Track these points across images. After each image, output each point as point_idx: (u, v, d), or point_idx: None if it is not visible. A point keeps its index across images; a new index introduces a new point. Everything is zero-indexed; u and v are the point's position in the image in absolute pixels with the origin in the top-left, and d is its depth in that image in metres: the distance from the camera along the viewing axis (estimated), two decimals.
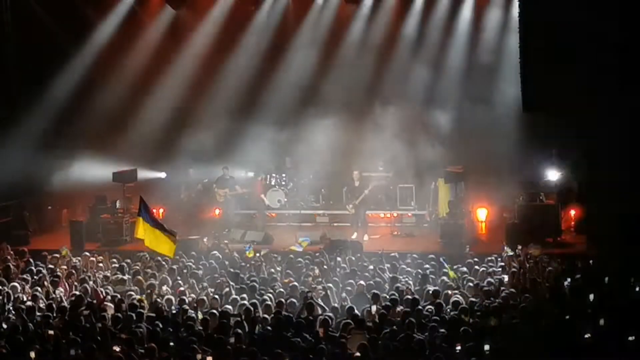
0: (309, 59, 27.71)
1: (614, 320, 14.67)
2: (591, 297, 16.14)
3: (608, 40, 21.97)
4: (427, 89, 26.93)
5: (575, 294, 16.63)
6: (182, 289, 17.39)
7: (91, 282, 17.97)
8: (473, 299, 16.42)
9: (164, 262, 19.55)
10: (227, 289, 17.31)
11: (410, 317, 15.04)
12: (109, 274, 19.11)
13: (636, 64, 22.42)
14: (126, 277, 18.61)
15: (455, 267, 18.95)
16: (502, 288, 17.18)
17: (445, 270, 18.69)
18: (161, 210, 25.89)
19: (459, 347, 13.86)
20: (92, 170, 26.39)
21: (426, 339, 14.16)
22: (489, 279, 17.84)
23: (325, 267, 19.29)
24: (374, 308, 15.78)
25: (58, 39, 26.46)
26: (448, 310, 15.88)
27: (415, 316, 15.23)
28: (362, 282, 17.72)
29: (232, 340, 14.40)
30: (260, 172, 27.57)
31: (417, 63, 27.15)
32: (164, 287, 17.64)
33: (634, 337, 14.07)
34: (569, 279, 17.43)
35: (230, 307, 15.86)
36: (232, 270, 19.06)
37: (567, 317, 15.09)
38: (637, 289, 16.90)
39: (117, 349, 13.79)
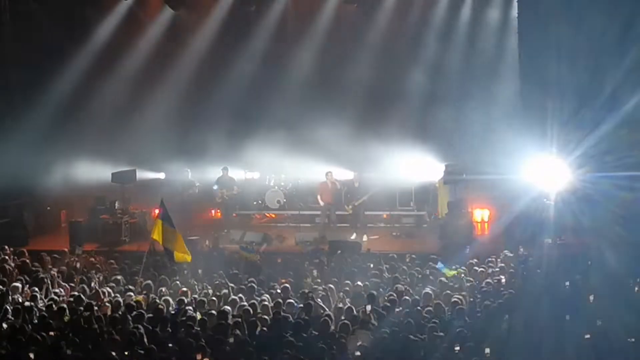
0: (310, 59, 27.70)
1: (612, 322, 14.68)
2: (591, 298, 16.12)
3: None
4: (427, 89, 26.93)
5: (574, 294, 16.63)
6: (181, 289, 17.36)
7: (92, 283, 17.94)
8: (473, 300, 16.40)
9: (162, 263, 19.56)
10: (226, 290, 17.30)
11: (409, 318, 15.02)
12: (107, 275, 19.08)
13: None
14: (124, 277, 18.59)
15: (454, 267, 18.94)
16: (501, 289, 17.17)
17: (442, 271, 18.69)
18: (156, 211, 25.95)
19: (457, 348, 13.84)
20: (91, 171, 26.38)
21: (425, 340, 14.14)
22: (488, 280, 17.82)
23: (324, 267, 19.29)
24: (368, 307, 15.74)
25: (57, 39, 26.44)
26: (447, 311, 15.85)
27: (414, 317, 15.21)
28: (359, 282, 17.72)
29: (231, 340, 14.39)
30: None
31: (417, 63, 27.16)
32: (163, 288, 17.61)
33: (634, 339, 14.07)
34: (568, 282, 17.41)
35: (229, 307, 15.84)
36: (230, 271, 19.03)
37: (567, 317, 15.11)
38: (637, 289, 16.89)
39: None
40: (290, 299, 16.58)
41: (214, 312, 15.61)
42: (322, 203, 25.21)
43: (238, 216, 26.71)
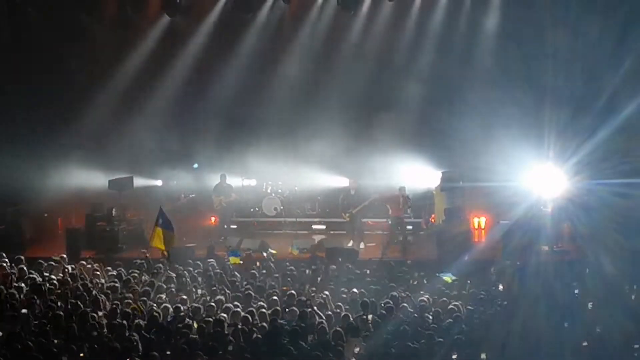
0: (305, 66, 27.74)
1: (610, 329, 14.69)
2: (589, 305, 16.13)
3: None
4: (424, 96, 26.96)
5: (572, 302, 16.64)
6: (178, 297, 17.36)
7: (93, 291, 17.91)
8: (470, 307, 16.40)
9: (160, 270, 19.56)
10: (223, 297, 17.29)
11: (406, 325, 15.03)
12: (105, 282, 19.06)
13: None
14: (122, 285, 18.57)
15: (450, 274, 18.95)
16: (497, 297, 17.18)
17: (443, 277, 18.69)
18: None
19: (455, 356, 13.85)
20: (88, 178, 26.37)
21: (422, 348, 14.14)
22: (485, 287, 17.82)
23: (321, 275, 19.29)
24: (370, 317, 15.76)
25: (54, 45, 26.46)
26: (444, 318, 15.84)
27: (411, 324, 15.21)
28: (355, 289, 17.71)
29: (228, 348, 14.38)
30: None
31: (414, 70, 27.19)
32: (161, 295, 17.60)
33: (638, 345, 14.10)
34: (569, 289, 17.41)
35: (225, 315, 15.84)
36: (228, 278, 19.02)
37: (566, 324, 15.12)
38: (633, 297, 16.90)
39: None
40: (288, 306, 16.57)
41: (210, 319, 15.60)
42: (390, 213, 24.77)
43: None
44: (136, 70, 27.78)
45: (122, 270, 19.74)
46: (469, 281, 18.43)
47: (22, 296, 17.43)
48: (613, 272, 18.62)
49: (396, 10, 27.55)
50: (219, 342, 14.46)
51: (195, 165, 27.28)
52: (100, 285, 18.76)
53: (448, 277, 18.59)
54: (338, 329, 14.96)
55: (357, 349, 14.12)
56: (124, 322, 15.51)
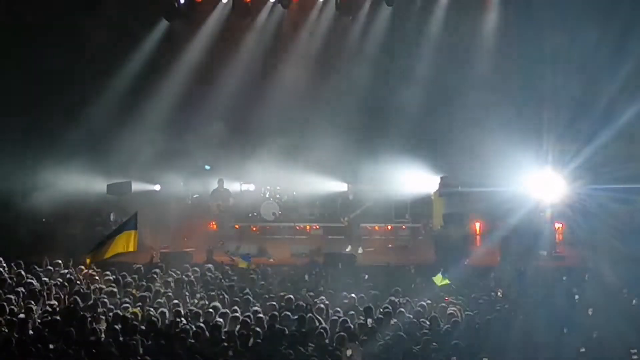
0: (304, 71, 27.74)
1: (608, 334, 14.67)
2: (590, 311, 16.11)
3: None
4: (422, 101, 26.96)
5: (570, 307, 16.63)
6: (175, 301, 17.32)
7: (93, 295, 17.88)
8: (469, 312, 16.38)
9: (157, 275, 19.54)
10: (221, 302, 17.26)
11: (405, 330, 15.00)
12: (103, 287, 19.02)
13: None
14: (120, 289, 18.54)
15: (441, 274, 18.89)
16: (496, 302, 17.15)
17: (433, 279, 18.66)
18: None
19: None
20: (87, 182, 26.33)
21: (420, 353, 14.12)
22: (484, 293, 17.79)
23: (320, 279, 19.26)
24: (369, 322, 15.73)
25: (51, 51, 26.44)
26: (443, 323, 15.81)
27: (410, 329, 15.18)
28: (353, 295, 17.68)
29: (227, 353, 14.35)
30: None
31: (412, 75, 27.20)
32: (159, 300, 17.56)
33: (635, 350, 14.07)
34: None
35: (222, 320, 15.81)
36: (225, 283, 19.00)
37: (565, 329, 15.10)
38: (634, 302, 16.87)
39: None
40: (287, 311, 16.53)
41: (208, 324, 15.57)
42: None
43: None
44: (135, 74, 27.77)
45: (121, 275, 19.71)
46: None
47: (20, 301, 17.41)
48: (612, 278, 18.63)
49: (395, 15, 27.57)
50: (217, 348, 14.43)
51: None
52: (98, 290, 18.71)
53: (438, 278, 18.48)
54: (337, 334, 14.94)
55: (355, 354, 14.08)
56: (122, 327, 15.49)
